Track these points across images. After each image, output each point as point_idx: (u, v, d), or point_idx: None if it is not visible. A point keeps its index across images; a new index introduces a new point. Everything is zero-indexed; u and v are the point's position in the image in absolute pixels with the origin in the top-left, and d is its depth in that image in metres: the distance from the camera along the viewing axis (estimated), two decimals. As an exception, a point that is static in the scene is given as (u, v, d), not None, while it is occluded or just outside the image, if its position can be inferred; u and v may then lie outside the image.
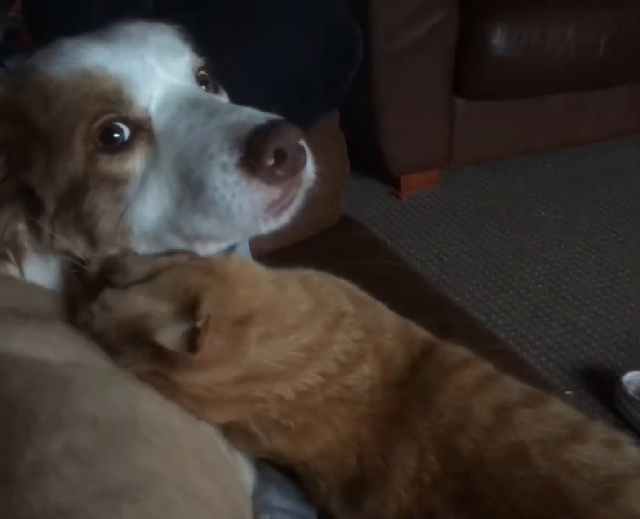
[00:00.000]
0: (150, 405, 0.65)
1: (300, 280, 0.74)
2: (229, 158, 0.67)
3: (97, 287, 0.67)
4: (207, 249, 0.75)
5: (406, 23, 2.42)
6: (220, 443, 0.72)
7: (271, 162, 0.66)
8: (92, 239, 0.72)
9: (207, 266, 0.68)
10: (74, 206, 0.70)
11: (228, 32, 1.18)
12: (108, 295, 0.66)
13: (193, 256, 0.70)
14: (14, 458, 0.55)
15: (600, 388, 1.95)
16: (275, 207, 0.69)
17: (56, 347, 0.66)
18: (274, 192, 0.68)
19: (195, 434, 0.67)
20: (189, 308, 0.63)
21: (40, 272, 0.75)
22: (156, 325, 0.62)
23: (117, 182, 0.70)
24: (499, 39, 2.48)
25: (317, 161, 0.73)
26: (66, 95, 0.69)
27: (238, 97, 0.85)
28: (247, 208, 0.67)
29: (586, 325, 2.18)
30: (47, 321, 0.69)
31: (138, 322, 0.64)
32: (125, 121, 0.71)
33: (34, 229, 0.73)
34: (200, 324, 0.62)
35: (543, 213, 2.69)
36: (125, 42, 0.74)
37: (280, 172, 0.67)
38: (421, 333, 0.79)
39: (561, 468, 0.66)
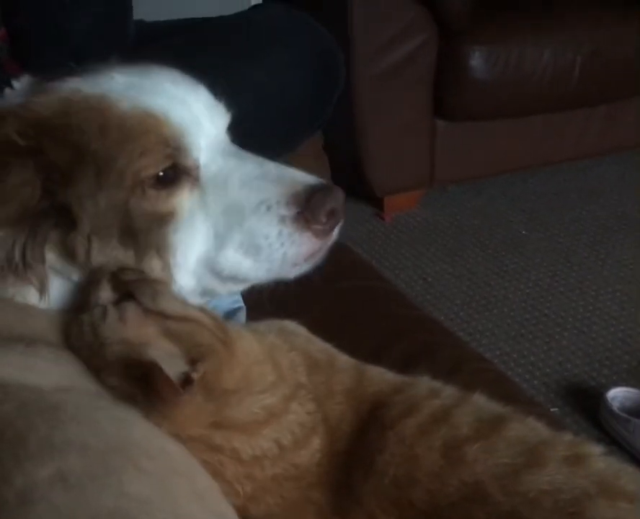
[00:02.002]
0: (143, 429, 0.64)
1: (270, 352, 0.75)
2: (287, 211, 0.74)
3: (123, 294, 0.68)
4: (239, 288, 0.83)
5: (386, 47, 2.45)
6: None
7: (325, 220, 0.75)
8: (136, 255, 0.74)
9: (223, 337, 0.70)
10: (117, 228, 0.73)
11: (217, 53, 1.20)
12: (131, 309, 0.67)
13: (218, 322, 0.71)
14: (2, 485, 0.54)
15: (584, 404, 1.96)
16: (313, 256, 0.78)
17: (44, 371, 0.66)
18: (316, 244, 0.77)
19: (188, 458, 0.66)
20: (191, 359, 0.65)
21: (58, 293, 0.75)
22: (159, 357, 0.63)
23: (163, 216, 0.74)
24: (477, 61, 2.51)
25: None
26: (127, 127, 0.72)
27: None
28: (291, 257, 0.76)
29: (569, 342, 2.19)
30: (34, 345, 0.68)
31: (139, 347, 0.65)
32: (176, 166, 0.74)
33: (64, 248, 0.74)
34: (195, 375, 0.64)
35: (524, 232, 2.72)
36: (182, 90, 0.78)
37: (326, 228, 0.76)
38: (375, 384, 0.77)
39: (521, 501, 0.62)
